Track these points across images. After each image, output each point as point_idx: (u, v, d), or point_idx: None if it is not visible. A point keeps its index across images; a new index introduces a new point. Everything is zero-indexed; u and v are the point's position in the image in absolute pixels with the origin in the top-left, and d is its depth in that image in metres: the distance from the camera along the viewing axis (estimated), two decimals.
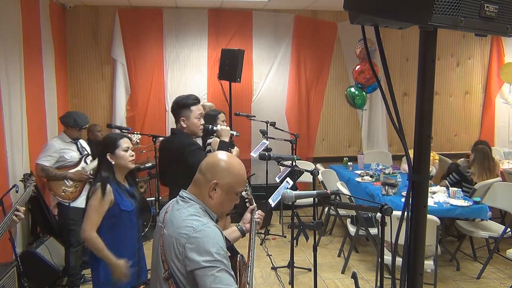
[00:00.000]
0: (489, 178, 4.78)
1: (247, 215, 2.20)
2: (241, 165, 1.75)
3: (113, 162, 2.54)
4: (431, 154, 5.58)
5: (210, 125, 3.24)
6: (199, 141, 4.02)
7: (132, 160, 2.62)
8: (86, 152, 4.12)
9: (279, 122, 5.99)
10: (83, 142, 4.19)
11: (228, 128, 3.20)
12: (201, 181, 1.70)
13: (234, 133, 3.40)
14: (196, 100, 3.04)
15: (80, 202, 3.83)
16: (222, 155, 1.76)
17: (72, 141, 4.03)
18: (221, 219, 1.89)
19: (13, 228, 2.60)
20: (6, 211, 3.23)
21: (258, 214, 2.23)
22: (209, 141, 4.00)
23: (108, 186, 2.47)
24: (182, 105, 3.00)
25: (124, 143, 2.59)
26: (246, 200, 2.30)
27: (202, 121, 3.06)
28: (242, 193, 2.28)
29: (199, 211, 1.65)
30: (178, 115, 3.01)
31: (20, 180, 4.09)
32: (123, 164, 2.56)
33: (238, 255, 1.78)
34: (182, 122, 2.99)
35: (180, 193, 1.73)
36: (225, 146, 3.06)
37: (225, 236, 1.78)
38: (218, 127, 3.19)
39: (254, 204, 2.26)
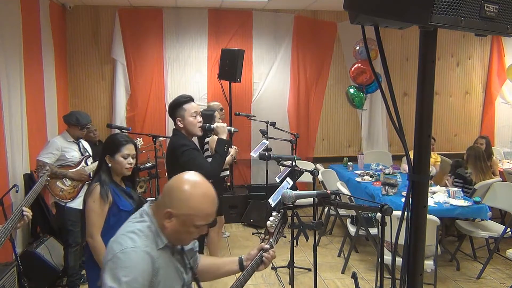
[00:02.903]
0: (484, 179, 4.78)
1: (254, 252, 1.88)
2: (205, 196, 1.51)
3: (109, 165, 2.49)
4: (433, 156, 5.58)
5: (207, 124, 3.24)
6: (197, 140, 4.02)
7: (129, 168, 2.54)
8: (87, 153, 4.12)
9: (279, 122, 5.98)
10: (85, 143, 4.19)
11: (224, 124, 3.17)
12: (160, 203, 1.54)
13: (232, 129, 3.38)
14: (188, 98, 3.01)
15: (77, 203, 3.82)
16: (187, 180, 1.52)
17: (74, 141, 4.03)
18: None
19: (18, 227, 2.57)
20: (6, 211, 3.23)
21: (269, 253, 1.87)
22: (207, 139, 3.99)
23: (106, 187, 2.44)
24: (175, 105, 2.99)
25: (126, 149, 2.52)
26: (266, 237, 1.97)
27: (199, 119, 3.03)
28: (267, 222, 1.97)
29: (143, 229, 1.51)
30: (174, 116, 3.01)
31: (33, 170, 4.09)
32: (118, 169, 2.51)
33: None
34: (179, 123, 2.98)
35: (144, 205, 1.62)
36: (222, 144, 3.05)
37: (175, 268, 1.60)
38: (215, 124, 3.17)
39: (271, 243, 1.91)
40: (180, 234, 1.53)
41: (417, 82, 1.21)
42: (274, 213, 2.03)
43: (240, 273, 1.83)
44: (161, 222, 1.52)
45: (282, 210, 2.08)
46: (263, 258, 1.85)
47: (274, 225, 1.97)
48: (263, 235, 5.36)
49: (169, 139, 3.32)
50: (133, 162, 2.55)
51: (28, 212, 2.43)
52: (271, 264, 4.54)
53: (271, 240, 1.93)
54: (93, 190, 2.42)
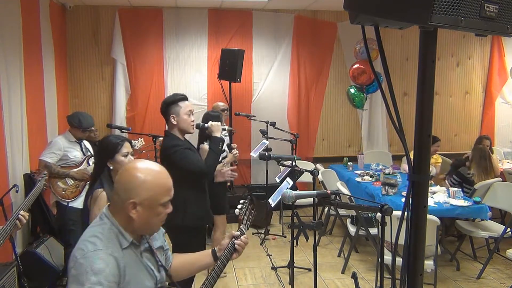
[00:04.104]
0: (486, 179, 4.78)
1: (225, 241, 1.89)
2: (159, 173, 1.55)
3: (111, 167, 2.46)
4: (434, 157, 5.59)
5: (201, 123, 3.24)
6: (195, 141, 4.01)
7: None
8: (89, 153, 4.13)
9: (280, 122, 5.99)
10: (87, 143, 4.20)
11: (218, 123, 3.17)
12: (117, 202, 1.52)
13: (226, 127, 3.39)
14: (183, 97, 3.01)
15: (79, 203, 3.83)
16: (135, 166, 1.54)
17: (76, 141, 4.05)
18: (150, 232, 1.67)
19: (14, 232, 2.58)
20: (6, 210, 3.24)
21: (241, 240, 1.89)
22: (201, 145, 3.99)
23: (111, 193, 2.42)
24: (170, 102, 2.98)
25: (124, 148, 2.51)
26: (239, 222, 2.01)
27: (192, 118, 3.03)
28: (236, 209, 2.03)
29: (105, 232, 1.50)
30: (167, 113, 2.99)
31: (30, 174, 4.09)
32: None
33: None
34: (172, 119, 2.97)
35: (103, 208, 1.61)
36: (217, 141, 3.06)
37: (145, 265, 1.60)
38: (209, 123, 3.18)
39: (242, 230, 1.95)
40: (149, 220, 1.53)
41: (417, 82, 1.21)
42: (241, 201, 2.09)
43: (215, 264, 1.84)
44: (123, 219, 1.52)
45: (249, 196, 2.14)
46: (235, 245, 1.87)
47: (242, 212, 2.02)
48: (263, 235, 5.38)
49: None
50: (132, 159, 2.55)
51: (23, 216, 2.44)
52: (271, 264, 4.56)
53: (241, 226, 1.96)
54: (99, 198, 2.36)
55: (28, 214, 2.53)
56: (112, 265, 1.43)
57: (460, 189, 4.45)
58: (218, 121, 3.91)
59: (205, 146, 3.53)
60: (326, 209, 5.43)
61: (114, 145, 2.49)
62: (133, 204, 1.49)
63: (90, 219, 2.36)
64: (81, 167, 4.00)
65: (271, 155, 3.69)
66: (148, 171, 1.52)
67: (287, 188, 3.53)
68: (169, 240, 2.27)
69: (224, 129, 3.25)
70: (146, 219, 1.52)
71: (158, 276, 1.64)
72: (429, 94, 1.21)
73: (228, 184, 5.98)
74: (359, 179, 5.16)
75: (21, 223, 2.46)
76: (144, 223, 1.53)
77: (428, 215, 1.33)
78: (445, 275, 4.35)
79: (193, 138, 3.28)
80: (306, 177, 4.79)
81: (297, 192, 2.53)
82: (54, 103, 5.31)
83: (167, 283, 1.74)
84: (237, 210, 2.04)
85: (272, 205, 3.96)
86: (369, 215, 4.32)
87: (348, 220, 4.67)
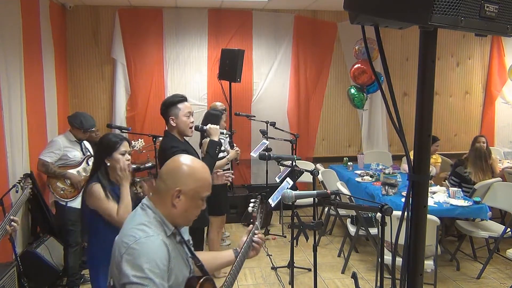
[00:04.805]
0: (484, 178, 4.78)
1: (244, 238, 1.95)
2: (204, 168, 1.66)
3: (108, 164, 2.53)
4: (434, 156, 5.59)
5: (200, 125, 3.25)
6: (195, 142, 4.02)
7: (128, 164, 2.59)
8: (89, 153, 4.13)
9: (280, 122, 5.99)
10: (87, 144, 4.21)
11: (217, 127, 3.19)
12: (162, 189, 1.60)
13: (224, 131, 3.41)
14: (182, 98, 3.02)
15: (78, 203, 3.82)
16: (183, 158, 1.64)
17: (76, 141, 4.06)
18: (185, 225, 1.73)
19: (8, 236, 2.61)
20: (6, 211, 3.24)
21: (258, 236, 1.97)
22: (205, 140, 4.00)
23: (105, 184, 2.48)
24: (169, 104, 2.99)
25: (122, 146, 2.58)
26: (251, 218, 2.08)
27: (192, 119, 3.04)
28: (249, 208, 2.12)
29: (151, 220, 1.57)
30: (167, 115, 3.00)
31: (17, 182, 4.10)
32: (117, 167, 2.55)
33: (203, 278, 1.66)
34: (172, 121, 2.98)
35: (143, 199, 1.67)
36: (214, 145, 3.07)
37: (187, 255, 1.69)
38: (208, 126, 3.18)
39: (257, 226, 2.03)
40: (188, 211, 1.61)
41: (417, 82, 1.21)
42: (252, 200, 2.17)
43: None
44: (166, 208, 1.59)
45: (259, 196, 2.23)
46: (253, 243, 1.94)
47: (255, 210, 2.11)
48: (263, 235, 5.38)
49: None
50: (130, 158, 2.63)
51: (15, 223, 2.47)
52: (271, 264, 4.56)
53: (256, 223, 2.04)
54: (92, 189, 2.44)
55: (18, 219, 2.56)
56: (165, 250, 1.51)
57: (460, 189, 4.45)
58: (218, 120, 3.90)
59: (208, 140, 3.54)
60: (326, 209, 5.43)
61: (113, 143, 2.56)
62: (178, 192, 1.57)
63: (98, 209, 2.44)
64: (79, 168, 4.01)
65: (271, 155, 3.69)
66: (196, 165, 1.63)
67: (287, 188, 3.53)
68: None
69: (222, 133, 3.25)
70: (185, 209, 1.59)
71: (191, 265, 1.72)
72: (429, 94, 1.21)
73: (228, 184, 5.99)
74: (359, 179, 5.16)
75: (12, 229, 2.48)
76: (182, 213, 1.60)
77: (428, 215, 1.33)
78: (445, 275, 4.35)
79: (193, 136, 3.28)
80: (306, 177, 4.79)
81: (297, 192, 2.53)
82: (54, 103, 5.30)
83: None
84: (250, 208, 2.11)
85: (272, 205, 3.96)
86: (369, 215, 4.33)
87: (348, 220, 4.67)
